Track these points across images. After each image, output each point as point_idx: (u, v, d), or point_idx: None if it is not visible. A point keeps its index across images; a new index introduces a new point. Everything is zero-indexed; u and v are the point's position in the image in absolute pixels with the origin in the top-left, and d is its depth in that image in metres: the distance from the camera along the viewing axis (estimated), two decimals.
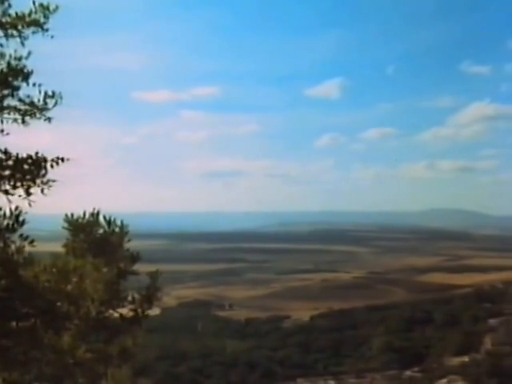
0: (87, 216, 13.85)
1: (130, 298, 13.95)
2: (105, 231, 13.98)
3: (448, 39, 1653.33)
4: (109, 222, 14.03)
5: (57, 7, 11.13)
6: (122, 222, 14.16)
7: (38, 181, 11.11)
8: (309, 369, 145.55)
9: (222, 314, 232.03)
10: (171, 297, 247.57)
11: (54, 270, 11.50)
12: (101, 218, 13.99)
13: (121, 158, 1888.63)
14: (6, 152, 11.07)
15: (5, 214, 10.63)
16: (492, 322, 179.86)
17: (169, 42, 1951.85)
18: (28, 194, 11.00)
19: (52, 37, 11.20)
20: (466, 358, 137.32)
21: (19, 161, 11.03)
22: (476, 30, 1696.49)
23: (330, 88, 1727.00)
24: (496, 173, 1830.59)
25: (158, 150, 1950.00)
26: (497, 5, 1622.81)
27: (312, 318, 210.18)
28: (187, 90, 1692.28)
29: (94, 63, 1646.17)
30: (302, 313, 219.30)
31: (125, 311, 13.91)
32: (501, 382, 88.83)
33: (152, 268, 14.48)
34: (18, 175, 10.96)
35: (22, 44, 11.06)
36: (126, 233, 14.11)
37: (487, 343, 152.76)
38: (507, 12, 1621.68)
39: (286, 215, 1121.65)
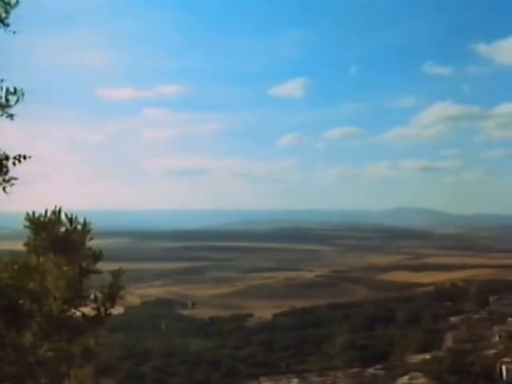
0: (49, 214, 13.71)
1: (92, 297, 13.82)
2: (67, 229, 13.83)
3: (411, 40, 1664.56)
4: (71, 220, 13.89)
5: (17, 2, 10.98)
6: (84, 220, 14.03)
7: (0, 178, 10.99)
8: (272, 367, 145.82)
9: (185, 312, 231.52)
10: (135, 296, 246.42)
11: (16, 267, 11.39)
12: (63, 216, 13.85)
13: (85, 156, 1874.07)
14: None
15: None
16: (453, 319, 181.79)
17: (133, 39, 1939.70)
18: None
19: (14, 32, 11.06)
20: (427, 356, 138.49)
21: None
22: (439, 31, 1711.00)
23: (293, 87, 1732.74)
24: (458, 173, 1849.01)
25: (122, 148, 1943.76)
26: (460, 7, 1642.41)
27: (275, 316, 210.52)
28: (152, 88, 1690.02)
29: (57, 60, 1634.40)
30: (265, 311, 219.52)
31: (87, 310, 13.79)
32: (462, 378, 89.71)
33: (115, 266, 14.37)
34: None
35: None
36: (89, 231, 13.98)
37: (448, 341, 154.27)
38: (470, 14, 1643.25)
39: (250, 214, 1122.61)
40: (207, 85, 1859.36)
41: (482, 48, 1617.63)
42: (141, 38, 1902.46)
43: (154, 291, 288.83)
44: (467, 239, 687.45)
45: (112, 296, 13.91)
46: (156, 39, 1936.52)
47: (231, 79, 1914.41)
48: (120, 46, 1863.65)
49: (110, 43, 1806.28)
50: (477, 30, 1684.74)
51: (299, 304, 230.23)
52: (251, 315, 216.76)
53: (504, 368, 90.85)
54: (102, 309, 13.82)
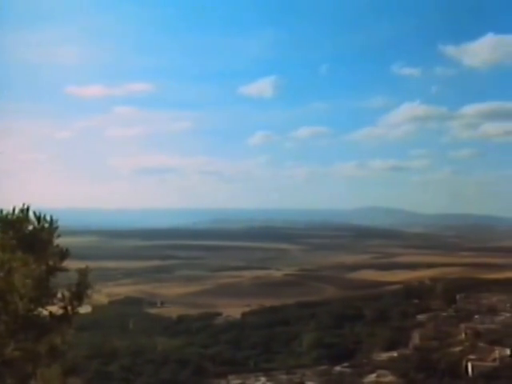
0: (16, 212, 13.57)
1: (59, 296, 13.70)
2: (34, 227, 13.70)
3: (381, 40, 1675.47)
4: (38, 218, 13.75)
5: None
6: (51, 217, 13.89)
7: None
8: (240, 365, 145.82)
9: (153, 311, 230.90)
10: (102, 294, 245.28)
11: None
12: (30, 214, 13.72)
13: (53, 153, 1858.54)
14: None
15: None
16: (420, 317, 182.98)
17: (103, 36, 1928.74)
18: None
19: None
20: (394, 353, 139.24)
21: None
22: (408, 32, 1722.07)
23: (263, 86, 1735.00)
24: (426, 172, 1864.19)
25: (91, 146, 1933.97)
26: (429, 8, 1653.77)
27: (243, 314, 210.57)
28: (122, 85, 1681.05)
29: (27, 56, 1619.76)
30: (233, 310, 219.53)
31: (54, 309, 13.67)
32: (428, 376, 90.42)
33: (82, 265, 14.27)
34: None
35: None
36: (56, 229, 13.85)
37: (415, 338, 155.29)
38: (439, 16, 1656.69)
39: (219, 212, 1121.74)
40: (177, 83, 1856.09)
41: (450, 50, 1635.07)
42: (111, 35, 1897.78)
43: (123, 290, 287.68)
44: (435, 238, 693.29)
45: (79, 294, 13.80)
46: (127, 36, 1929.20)
47: (201, 77, 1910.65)
48: (90, 43, 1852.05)
49: (80, 40, 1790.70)
50: (445, 31, 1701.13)
51: (268, 303, 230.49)
52: (220, 314, 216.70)
53: (470, 365, 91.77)
54: (70, 307, 13.71)
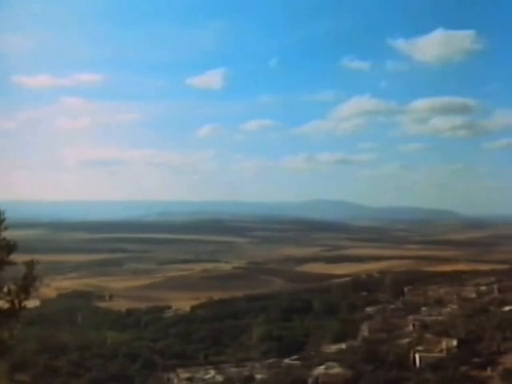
0: None
1: (6, 290, 13.43)
2: None
3: (331, 34, 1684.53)
4: None
5: None
6: None
7: None
8: (189, 359, 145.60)
9: (102, 305, 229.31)
10: (51, 288, 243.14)
11: None
12: None
13: None
14: None
15: None
16: (369, 310, 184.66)
17: (51, 26, 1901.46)
18: None
19: None
20: (343, 345, 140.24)
21: None
22: (359, 26, 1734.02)
23: (212, 78, 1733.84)
24: (374, 166, 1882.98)
25: (38, 137, 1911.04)
26: (379, 2, 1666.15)
27: (193, 308, 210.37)
28: (69, 75, 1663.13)
29: None
30: (182, 303, 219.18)
31: (1, 303, 13.40)
32: (376, 367, 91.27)
33: (30, 258, 13.99)
34: None
35: None
36: (3, 221, 13.56)
37: (364, 330, 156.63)
38: (389, 10, 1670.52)
39: (168, 204, 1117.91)
40: (125, 74, 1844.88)
41: (401, 44, 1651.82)
42: (59, 25, 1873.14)
43: (71, 283, 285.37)
44: (383, 231, 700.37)
45: (26, 288, 13.53)
46: (75, 26, 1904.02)
47: (149, 69, 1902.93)
48: (37, 32, 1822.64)
49: (27, 29, 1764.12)
50: (396, 26, 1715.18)
51: (217, 295, 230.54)
52: (169, 307, 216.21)
53: (417, 356, 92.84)
54: (17, 301, 13.44)
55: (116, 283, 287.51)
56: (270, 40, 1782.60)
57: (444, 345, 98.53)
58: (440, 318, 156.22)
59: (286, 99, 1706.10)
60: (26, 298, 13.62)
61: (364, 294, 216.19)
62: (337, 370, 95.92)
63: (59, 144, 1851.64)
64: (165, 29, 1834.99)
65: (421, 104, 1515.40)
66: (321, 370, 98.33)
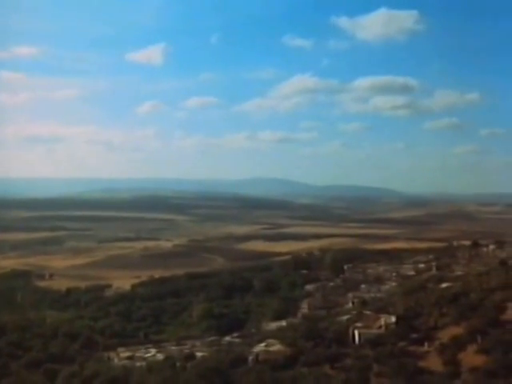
0: None
1: None
2: None
3: (273, 11, 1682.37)
4: None
5: None
6: None
7: None
8: (130, 338, 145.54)
9: (42, 284, 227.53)
10: None
11: None
12: None
13: None
14: None
15: None
16: (309, 287, 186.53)
17: None
18: None
19: None
20: (283, 323, 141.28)
21: None
22: (301, 3, 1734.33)
23: (152, 54, 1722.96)
24: (315, 144, 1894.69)
25: None
26: None
27: (133, 286, 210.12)
28: (7, 48, 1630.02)
29: None
30: (123, 281, 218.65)
31: None
32: (316, 344, 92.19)
33: None
34: None
35: None
36: None
37: (304, 308, 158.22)
38: None
39: (107, 182, 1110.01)
40: (64, 48, 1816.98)
41: (344, 22, 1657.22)
42: None
43: (9, 263, 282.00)
44: (323, 209, 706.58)
45: None
46: None
47: (88, 44, 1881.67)
48: None
49: None
50: (339, 4, 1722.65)
51: (157, 274, 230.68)
52: (109, 286, 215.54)
53: (356, 332, 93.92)
54: None
55: (56, 262, 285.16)
56: (211, 16, 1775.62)
57: (383, 321, 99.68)
58: (379, 295, 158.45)
59: (227, 76, 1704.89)
60: None
61: (304, 271, 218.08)
62: (277, 347, 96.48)
63: None
64: (105, 2, 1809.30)
65: (362, 83, 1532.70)
66: (261, 347, 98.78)
